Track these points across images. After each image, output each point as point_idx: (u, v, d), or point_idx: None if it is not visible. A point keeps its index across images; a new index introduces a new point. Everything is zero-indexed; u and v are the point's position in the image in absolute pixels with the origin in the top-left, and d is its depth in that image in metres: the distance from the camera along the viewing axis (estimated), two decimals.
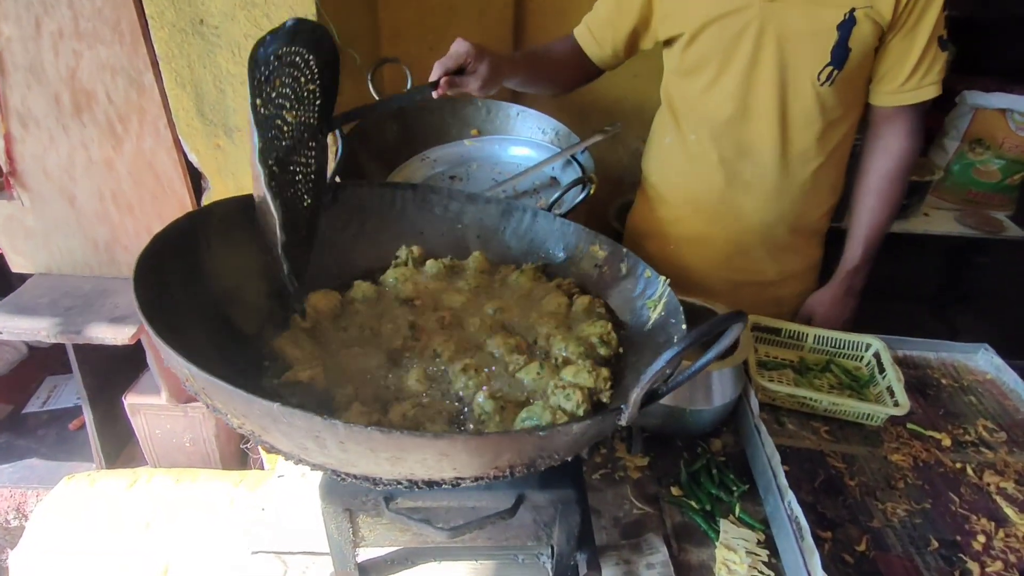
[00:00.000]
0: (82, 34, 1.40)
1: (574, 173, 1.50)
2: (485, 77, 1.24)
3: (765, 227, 1.46)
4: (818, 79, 1.27)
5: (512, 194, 1.52)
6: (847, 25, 1.22)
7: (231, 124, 1.46)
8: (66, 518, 1.60)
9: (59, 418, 2.36)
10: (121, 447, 2.13)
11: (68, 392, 2.45)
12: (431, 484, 0.62)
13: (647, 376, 0.58)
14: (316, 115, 0.97)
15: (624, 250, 1.05)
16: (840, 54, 1.25)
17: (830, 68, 1.26)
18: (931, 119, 2.31)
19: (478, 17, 1.99)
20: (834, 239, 1.57)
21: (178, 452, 2.01)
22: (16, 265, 1.72)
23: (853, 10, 1.21)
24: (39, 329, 1.52)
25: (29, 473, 2.13)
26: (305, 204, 0.95)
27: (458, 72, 1.23)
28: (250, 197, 0.97)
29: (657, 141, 1.59)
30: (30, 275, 1.74)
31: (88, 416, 1.97)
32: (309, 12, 1.35)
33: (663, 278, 0.95)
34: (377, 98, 1.59)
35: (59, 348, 1.75)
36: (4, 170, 1.56)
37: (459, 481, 0.62)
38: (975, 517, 1.06)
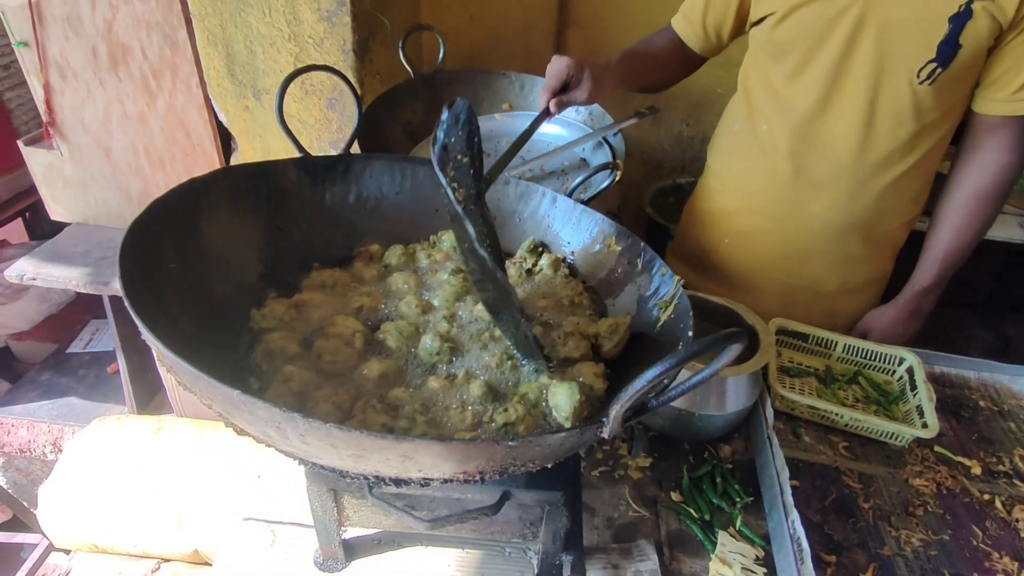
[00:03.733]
0: None
1: (605, 156, 1.44)
2: (591, 89, 1.21)
3: (831, 232, 1.35)
4: (917, 76, 1.14)
5: (539, 174, 1.47)
6: (961, 18, 1.08)
7: (260, 86, 1.44)
8: (94, 458, 1.66)
9: (99, 360, 2.45)
10: (153, 394, 2.21)
11: (109, 336, 2.55)
12: (399, 481, 0.61)
13: (628, 393, 0.55)
14: (473, 180, 0.94)
15: (642, 244, 0.99)
16: (947, 51, 1.11)
17: (933, 65, 1.12)
18: None
19: None
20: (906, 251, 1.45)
21: (201, 404, 2.07)
22: (55, 214, 1.78)
23: (971, 1, 1.07)
24: (70, 278, 1.56)
25: (67, 411, 2.23)
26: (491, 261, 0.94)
27: (563, 89, 1.21)
28: (259, 166, 0.96)
29: (726, 127, 1.48)
30: (67, 224, 1.79)
31: (122, 362, 2.04)
32: None
33: (677, 278, 0.89)
34: (407, 65, 1.55)
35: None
36: (44, 120, 1.59)
37: (427, 481, 0.60)
38: (997, 555, 1.00)
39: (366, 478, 0.61)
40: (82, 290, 1.57)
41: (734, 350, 0.55)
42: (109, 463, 1.64)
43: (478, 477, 0.60)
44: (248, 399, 0.52)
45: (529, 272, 1.05)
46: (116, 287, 1.63)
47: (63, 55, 1.49)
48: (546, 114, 1.22)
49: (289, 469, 1.10)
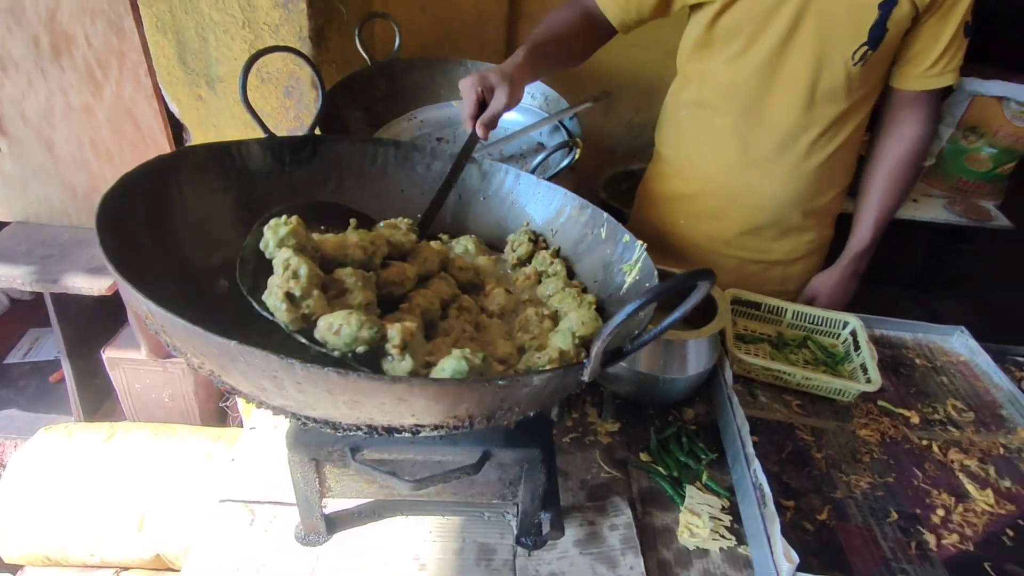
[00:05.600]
0: None
1: (561, 139, 1.48)
2: (508, 91, 1.16)
3: (779, 207, 1.44)
4: (852, 58, 1.24)
5: (498, 158, 1.50)
6: (888, 4, 1.19)
7: (213, 74, 1.42)
8: (42, 469, 1.60)
9: (40, 370, 2.35)
10: (101, 401, 2.13)
11: (49, 345, 2.44)
12: (390, 430, 0.62)
13: (608, 328, 0.58)
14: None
15: (604, 215, 1.04)
16: (877, 34, 1.21)
17: (865, 48, 1.23)
18: None
19: None
20: (842, 220, 1.57)
21: (157, 407, 2.01)
22: None
23: None
24: (14, 276, 1.50)
25: (8, 423, 2.13)
26: None
27: (483, 107, 1.17)
28: (224, 145, 0.96)
29: (672, 114, 1.54)
30: (7, 223, 1.72)
31: (67, 369, 1.97)
32: None
33: (640, 243, 0.94)
34: (364, 53, 1.56)
35: (41, 301, 1.73)
36: None
37: (418, 428, 0.62)
38: (936, 492, 1.08)
39: (359, 428, 0.62)
40: (28, 288, 1.52)
41: (704, 288, 0.59)
42: (58, 473, 1.58)
43: (467, 422, 0.62)
44: (245, 349, 0.53)
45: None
46: (64, 284, 1.58)
47: (3, 46, 1.43)
48: (475, 140, 1.16)
49: (262, 451, 1.09)
